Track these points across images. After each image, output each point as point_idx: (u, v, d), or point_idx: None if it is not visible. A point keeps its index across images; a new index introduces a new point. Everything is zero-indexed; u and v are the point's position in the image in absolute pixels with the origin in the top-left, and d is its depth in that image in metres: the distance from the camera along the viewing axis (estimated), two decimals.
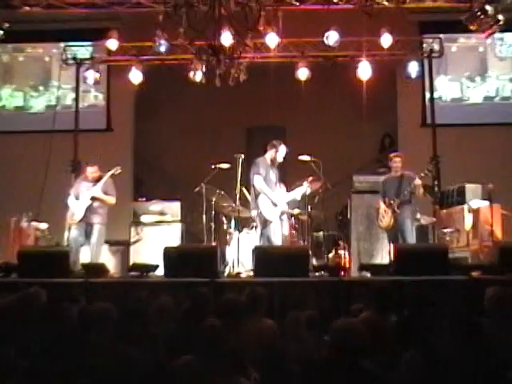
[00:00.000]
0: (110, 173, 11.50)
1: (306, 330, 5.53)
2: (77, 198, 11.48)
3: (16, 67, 15.83)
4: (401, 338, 5.01)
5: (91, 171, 11.58)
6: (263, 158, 11.16)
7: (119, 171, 11.64)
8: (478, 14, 11.65)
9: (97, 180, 11.49)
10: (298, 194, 11.20)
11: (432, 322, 4.83)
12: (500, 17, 11.54)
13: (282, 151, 11.23)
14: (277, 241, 10.91)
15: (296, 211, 11.54)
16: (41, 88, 15.70)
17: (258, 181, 10.94)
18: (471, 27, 12.01)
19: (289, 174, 11.77)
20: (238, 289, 7.68)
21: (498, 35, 13.02)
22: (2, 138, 15.05)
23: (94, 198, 11.40)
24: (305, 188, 11.12)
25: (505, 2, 11.49)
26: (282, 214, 11.15)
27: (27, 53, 15.79)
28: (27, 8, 12.25)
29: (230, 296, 6.06)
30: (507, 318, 5.22)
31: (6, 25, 12.16)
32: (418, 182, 11.09)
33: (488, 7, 11.54)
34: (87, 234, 11.43)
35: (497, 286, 5.90)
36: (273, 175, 11.12)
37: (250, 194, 11.21)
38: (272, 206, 10.92)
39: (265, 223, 10.95)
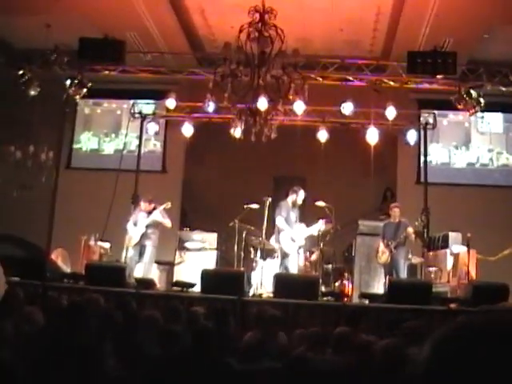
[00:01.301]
0: (162, 206, 11.66)
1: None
2: (135, 224, 11.62)
3: (94, 117, 16.10)
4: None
5: (144, 206, 11.74)
6: (285, 202, 11.21)
7: (169, 206, 11.80)
8: (465, 96, 11.86)
9: (149, 212, 11.63)
10: (314, 230, 11.22)
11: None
12: (481, 100, 11.73)
13: (301, 195, 11.29)
14: (293, 270, 10.92)
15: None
16: (112, 135, 15.93)
17: (279, 221, 11.00)
18: (459, 106, 12.20)
19: (307, 216, 11.77)
20: (258, 306, 7.71)
21: (479, 114, 13.07)
22: (79, 173, 15.28)
23: (153, 222, 11.53)
24: (320, 225, 11.15)
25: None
26: (299, 248, 11.17)
27: (103, 107, 16.05)
28: (106, 72, 12.54)
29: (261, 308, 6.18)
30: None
31: (89, 84, 12.45)
32: (410, 230, 11.17)
33: (472, 91, 11.74)
34: (141, 254, 11.53)
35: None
36: (293, 215, 11.16)
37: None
38: (291, 241, 10.96)
39: (284, 255, 10.99)
